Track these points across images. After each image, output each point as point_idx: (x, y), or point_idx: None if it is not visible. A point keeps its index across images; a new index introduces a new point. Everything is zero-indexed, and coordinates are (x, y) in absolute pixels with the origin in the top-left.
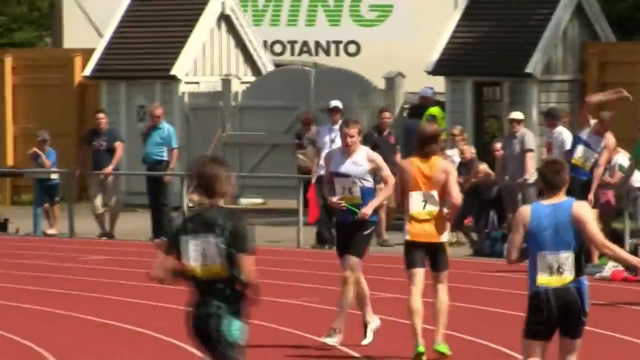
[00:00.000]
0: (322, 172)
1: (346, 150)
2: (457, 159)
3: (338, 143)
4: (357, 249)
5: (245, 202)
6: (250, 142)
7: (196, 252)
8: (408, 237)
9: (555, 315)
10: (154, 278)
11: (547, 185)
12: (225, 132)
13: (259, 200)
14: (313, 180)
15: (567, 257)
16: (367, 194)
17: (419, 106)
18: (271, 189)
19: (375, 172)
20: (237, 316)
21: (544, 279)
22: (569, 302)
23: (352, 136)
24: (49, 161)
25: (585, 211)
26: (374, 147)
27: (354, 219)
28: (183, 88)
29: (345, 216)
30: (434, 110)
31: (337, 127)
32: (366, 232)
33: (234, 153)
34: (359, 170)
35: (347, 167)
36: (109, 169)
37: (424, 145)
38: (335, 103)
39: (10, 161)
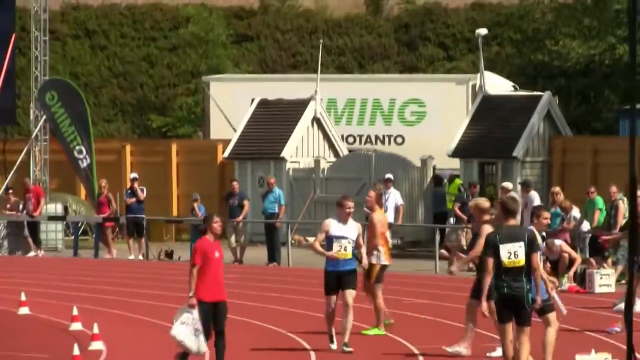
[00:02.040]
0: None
1: (343, 219)
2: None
3: (390, 201)
4: (354, 285)
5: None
6: (332, 201)
7: (508, 252)
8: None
9: None
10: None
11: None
12: (316, 195)
13: None
14: None
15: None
16: (353, 251)
17: (440, 179)
18: None
19: (357, 237)
20: (530, 290)
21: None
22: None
23: (350, 207)
24: (200, 212)
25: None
26: (463, 204)
27: (350, 268)
28: (288, 165)
29: (339, 265)
30: (458, 181)
31: (390, 191)
32: (355, 275)
33: (322, 208)
34: (353, 234)
35: (346, 231)
36: (240, 218)
37: None
38: (389, 175)
39: (174, 212)
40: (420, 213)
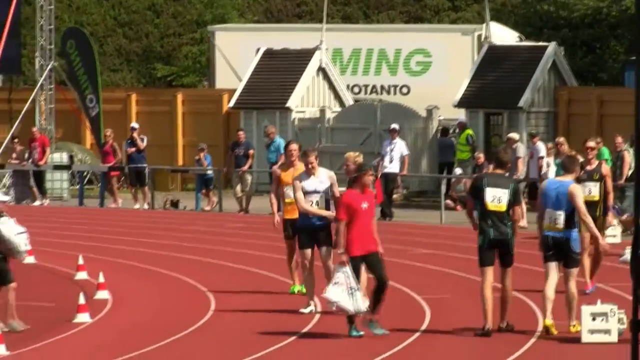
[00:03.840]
0: (386, 170)
1: (310, 173)
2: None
3: (395, 151)
4: (329, 243)
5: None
6: (337, 151)
7: (492, 196)
8: None
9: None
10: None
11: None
12: (321, 145)
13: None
14: (378, 175)
15: (560, 215)
16: (327, 204)
17: (446, 129)
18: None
19: (331, 187)
20: (513, 232)
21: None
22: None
23: (312, 162)
24: (205, 162)
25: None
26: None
27: (322, 223)
28: (294, 115)
29: (310, 220)
30: (468, 130)
31: (395, 141)
32: (328, 231)
33: (327, 159)
34: (324, 187)
35: (315, 185)
36: (245, 167)
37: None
38: (394, 125)
39: (180, 162)
40: (424, 163)
